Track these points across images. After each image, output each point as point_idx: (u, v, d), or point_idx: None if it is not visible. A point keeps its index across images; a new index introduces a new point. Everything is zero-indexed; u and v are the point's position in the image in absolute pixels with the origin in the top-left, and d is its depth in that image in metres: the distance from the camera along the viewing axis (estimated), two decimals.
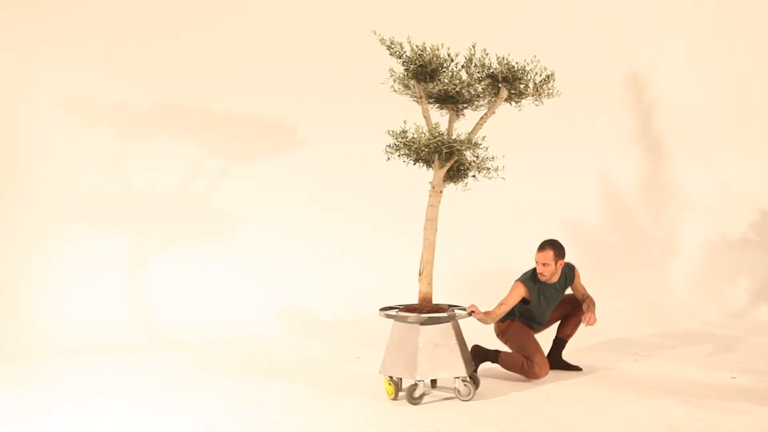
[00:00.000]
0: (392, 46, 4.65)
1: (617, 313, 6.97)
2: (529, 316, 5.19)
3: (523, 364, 5.00)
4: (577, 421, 4.19)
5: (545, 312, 5.19)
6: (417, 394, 4.53)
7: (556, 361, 5.36)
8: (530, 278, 5.08)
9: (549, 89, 4.76)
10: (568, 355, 5.46)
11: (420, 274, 4.72)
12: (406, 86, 4.86)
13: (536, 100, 4.83)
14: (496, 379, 5.12)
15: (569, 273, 5.21)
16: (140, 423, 4.20)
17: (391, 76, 4.82)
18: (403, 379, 4.68)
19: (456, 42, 4.85)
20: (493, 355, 5.17)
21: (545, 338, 5.26)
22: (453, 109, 4.92)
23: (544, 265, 5.01)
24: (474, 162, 4.79)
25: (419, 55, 4.58)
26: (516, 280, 5.08)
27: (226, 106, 7.29)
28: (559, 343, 5.38)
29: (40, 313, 6.62)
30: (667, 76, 7.81)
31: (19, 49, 6.99)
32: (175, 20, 7.30)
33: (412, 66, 4.63)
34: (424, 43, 4.62)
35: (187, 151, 7.20)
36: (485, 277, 6.82)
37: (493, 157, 4.79)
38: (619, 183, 7.84)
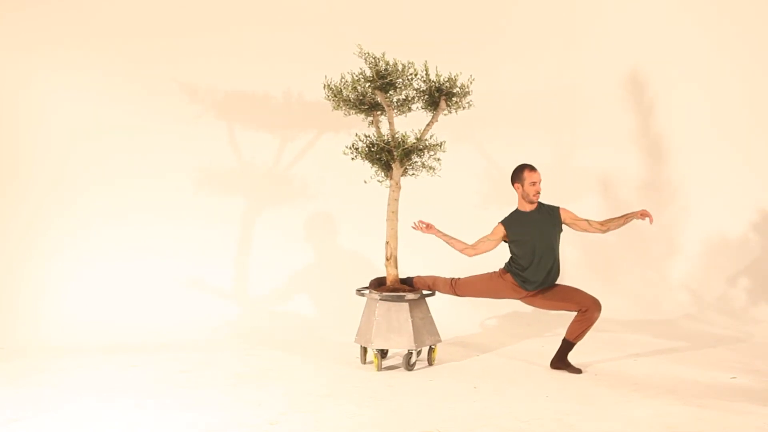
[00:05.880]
0: (370, 61, 5.16)
1: (617, 313, 6.96)
2: (523, 261, 5.33)
3: (430, 285, 5.62)
4: (577, 421, 4.20)
5: (541, 241, 5.31)
6: (367, 359, 5.54)
7: (559, 361, 5.36)
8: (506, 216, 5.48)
9: (460, 103, 5.39)
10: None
11: (387, 260, 5.48)
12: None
13: (450, 110, 5.42)
14: (496, 378, 5.13)
15: (553, 209, 5.43)
16: (140, 423, 4.20)
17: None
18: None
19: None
20: (410, 281, 5.72)
21: (548, 340, 5.22)
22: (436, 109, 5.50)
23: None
24: (422, 160, 5.45)
25: (385, 69, 5.13)
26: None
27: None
28: (566, 344, 5.35)
29: (40, 313, 6.62)
30: (667, 76, 7.81)
31: (19, 49, 6.98)
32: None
33: (380, 81, 5.14)
34: (384, 55, 5.15)
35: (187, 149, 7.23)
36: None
37: (439, 159, 5.47)
38: (619, 183, 7.84)
